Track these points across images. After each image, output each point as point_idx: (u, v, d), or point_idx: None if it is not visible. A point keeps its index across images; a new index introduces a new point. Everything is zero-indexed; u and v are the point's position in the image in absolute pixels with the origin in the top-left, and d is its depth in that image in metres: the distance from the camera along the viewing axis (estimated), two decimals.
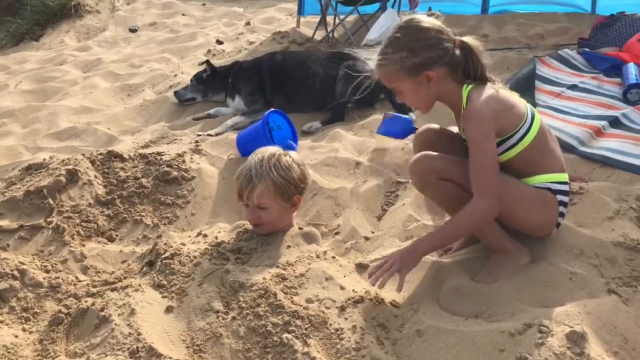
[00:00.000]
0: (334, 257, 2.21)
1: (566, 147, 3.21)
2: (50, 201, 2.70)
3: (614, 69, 4.29)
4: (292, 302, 1.89)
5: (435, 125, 2.35)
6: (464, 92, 2.06)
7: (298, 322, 1.81)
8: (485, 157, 1.97)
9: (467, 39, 2.10)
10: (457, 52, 2.06)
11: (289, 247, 2.20)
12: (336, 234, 2.67)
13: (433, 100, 2.14)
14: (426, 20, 2.08)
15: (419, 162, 2.12)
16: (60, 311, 2.10)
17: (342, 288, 2.02)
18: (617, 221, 2.44)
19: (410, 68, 2.03)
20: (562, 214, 2.17)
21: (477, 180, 1.97)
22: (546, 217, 2.14)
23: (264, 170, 2.21)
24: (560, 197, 2.12)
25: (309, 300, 1.92)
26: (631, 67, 4.02)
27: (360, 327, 1.86)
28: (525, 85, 4.09)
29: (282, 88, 4.40)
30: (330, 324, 1.85)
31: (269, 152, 2.30)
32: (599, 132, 3.33)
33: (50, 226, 2.59)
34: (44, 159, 3.17)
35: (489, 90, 2.05)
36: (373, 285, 1.95)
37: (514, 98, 2.11)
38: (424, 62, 2.03)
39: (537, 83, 4.18)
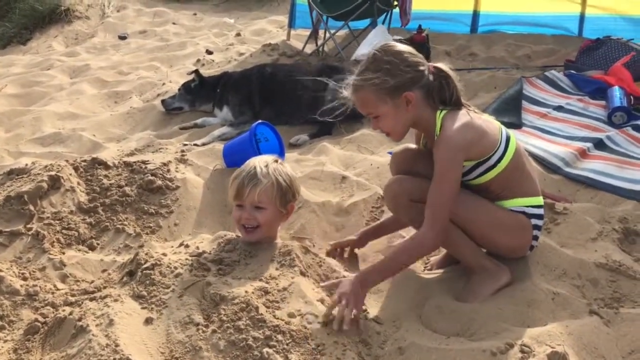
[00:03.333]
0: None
1: (551, 167, 3.24)
2: (31, 207, 2.66)
3: (600, 91, 4.35)
4: (274, 316, 1.86)
5: (413, 146, 2.36)
6: (437, 118, 2.07)
7: (279, 336, 1.79)
8: (447, 188, 2.00)
9: (440, 64, 2.12)
10: (431, 77, 2.08)
11: (272, 260, 2.18)
12: (320, 248, 2.65)
13: (409, 125, 2.15)
14: (400, 45, 2.11)
15: (392, 185, 2.19)
16: (36, 320, 2.05)
17: (324, 303, 2.00)
18: (599, 242, 2.46)
19: (390, 89, 2.04)
20: (535, 237, 2.19)
21: (432, 210, 2.00)
22: (520, 241, 2.17)
23: (270, 170, 2.23)
24: (534, 221, 2.15)
25: (290, 315, 1.89)
26: (616, 91, 4.08)
27: (341, 343, 1.84)
28: (512, 105, 4.13)
29: (270, 100, 4.40)
30: (312, 340, 1.83)
31: (271, 157, 2.33)
32: (583, 154, 3.37)
33: (30, 233, 2.55)
34: (26, 164, 3.13)
35: (463, 117, 2.05)
36: (337, 329, 1.86)
37: (487, 123, 2.11)
38: (403, 83, 2.04)
39: (524, 103, 4.22)
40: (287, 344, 1.78)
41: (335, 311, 1.89)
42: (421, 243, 2.03)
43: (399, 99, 2.05)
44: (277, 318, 1.86)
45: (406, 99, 2.05)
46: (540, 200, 2.18)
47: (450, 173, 2.00)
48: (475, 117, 2.09)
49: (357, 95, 2.12)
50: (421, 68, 2.07)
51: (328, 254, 2.46)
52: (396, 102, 2.05)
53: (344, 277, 2.23)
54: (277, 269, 2.11)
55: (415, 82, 2.06)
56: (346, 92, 2.16)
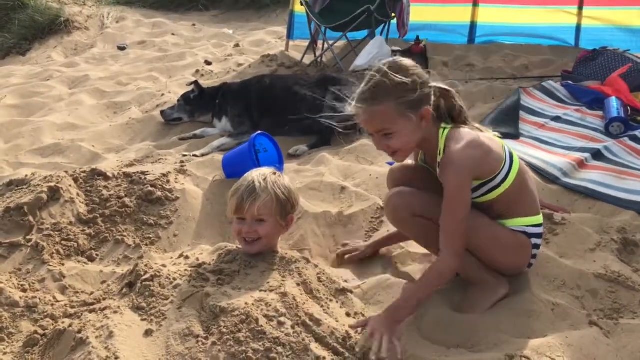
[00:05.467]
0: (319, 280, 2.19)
1: (549, 178, 3.26)
2: (30, 218, 2.66)
3: (597, 102, 4.37)
4: (274, 328, 1.86)
5: (410, 162, 2.33)
6: (440, 137, 2.04)
7: (279, 348, 1.79)
8: (460, 211, 1.96)
9: (440, 83, 2.09)
10: (436, 97, 2.06)
11: (272, 271, 2.18)
12: (321, 256, 2.65)
13: (417, 143, 2.09)
14: (409, 61, 2.04)
15: (393, 199, 2.14)
16: (36, 332, 2.05)
17: (325, 314, 2.00)
18: (598, 253, 2.47)
19: (414, 102, 1.96)
20: (534, 256, 2.19)
21: (448, 235, 1.95)
22: (520, 260, 2.18)
23: (268, 184, 2.24)
24: (534, 241, 2.15)
25: (291, 327, 1.89)
26: (613, 101, 4.11)
27: (342, 354, 1.83)
28: (510, 116, 4.15)
29: (269, 111, 4.41)
30: (312, 351, 1.82)
31: (269, 170, 2.34)
32: (581, 164, 3.38)
33: (30, 244, 2.54)
34: (26, 175, 3.13)
35: (467, 135, 2.02)
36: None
37: (492, 140, 2.08)
38: (422, 98, 1.98)
39: (522, 114, 4.24)
40: (288, 356, 1.78)
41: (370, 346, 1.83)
42: (443, 272, 1.97)
43: (418, 114, 1.99)
44: (277, 330, 1.86)
45: (422, 115, 1.99)
46: (540, 218, 2.18)
47: (460, 196, 1.96)
48: (479, 134, 2.06)
49: (374, 110, 1.98)
50: (431, 85, 2.04)
51: (337, 256, 2.59)
52: (414, 118, 1.98)
53: (344, 288, 2.23)
54: (277, 279, 2.11)
55: (429, 98, 2.02)
56: (350, 107, 2.05)
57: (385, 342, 1.81)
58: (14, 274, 2.41)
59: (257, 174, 2.29)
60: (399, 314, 1.95)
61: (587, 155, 3.48)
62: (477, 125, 2.15)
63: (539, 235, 2.17)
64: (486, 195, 2.08)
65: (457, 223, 1.96)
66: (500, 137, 2.18)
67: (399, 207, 2.12)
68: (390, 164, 3.28)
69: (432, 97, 2.04)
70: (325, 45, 6.14)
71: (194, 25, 9.48)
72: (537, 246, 2.17)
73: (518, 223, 2.12)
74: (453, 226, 1.96)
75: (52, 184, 2.82)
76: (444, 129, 2.06)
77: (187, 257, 2.36)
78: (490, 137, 2.11)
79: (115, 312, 1.96)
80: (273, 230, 2.27)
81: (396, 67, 2.00)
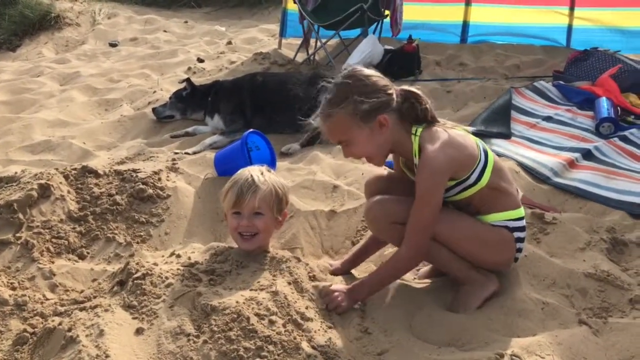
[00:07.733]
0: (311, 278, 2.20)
1: (540, 177, 3.28)
2: (20, 216, 2.63)
3: (587, 102, 4.41)
4: (265, 326, 1.86)
5: (383, 172, 2.36)
6: (414, 140, 2.07)
7: (271, 347, 1.79)
8: (429, 211, 2.00)
9: (406, 86, 2.13)
10: (400, 100, 2.08)
11: (263, 270, 2.18)
12: (312, 254, 2.65)
13: (387, 149, 2.13)
14: (367, 69, 2.10)
15: (373, 209, 2.17)
16: (25, 330, 2.03)
17: (316, 313, 2.00)
18: (588, 252, 2.49)
19: (364, 113, 2.02)
20: (519, 250, 2.20)
21: (412, 232, 2.02)
22: (504, 255, 2.18)
23: (266, 178, 2.26)
24: (517, 234, 2.15)
25: (282, 325, 1.89)
26: (603, 101, 4.14)
27: (333, 353, 1.84)
28: (502, 115, 4.18)
29: (262, 109, 4.41)
30: (303, 349, 1.83)
31: (263, 167, 2.35)
32: (572, 164, 3.41)
33: (19, 242, 2.52)
34: (16, 172, 3.10)
35: (442, 135, 2.05)
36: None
37: (465, 138, 2.10)
38: (375, 106, 2.02)
39: (513, 113, 4.27)
40: (279, 355, 1.78)
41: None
42: (399, 264, 2.09)
43: (373, 123, 2.04)
44: (268, 328, 1.86)
45: (379, 122, 2.04)
46: (521, 212, 2.18)
47: (432, 197, 2.00)
48: (453, 133, 2.08)
49: (330, 123, 2.09)
50: (390, 91, 2.07)
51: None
52: (370, 126, 2.04)
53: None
54: (268, 279, 2.11)
55: (387, 105, 2.05)
56: (315, 123, 2.16)
57: (335, 299, 2.07)
58: (4, 271, 2.39)
59: (253, 169, 2.31)
60: (358, 293, 2.13)
61: (577, 155, 3.51)
62: (448, 122, 2.16)
63: (521, 229, 2.17)
64: (461, 194, 2.09)
65: (423, 221, 2.01)
66: (468, 131, 2.20)
67: (378, 216, 2.15)
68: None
69: (394, 103, 2.06)
70: (318, 44, 6.14)
71: (186, 22, 9.45)
72: (520, 240, 2.17)
73: (498, 218, 2.13)
74: (418, 224, 2.02)
75: (43, 181, 2.80)
76: (416, 130, 2.07)
77: (178, 256, 2.35)
78: (462, 134, 2.13)
79: (106, 311, 1.95)
80: (270, 224, 2.27)
81: (350, 78, 2.06)
